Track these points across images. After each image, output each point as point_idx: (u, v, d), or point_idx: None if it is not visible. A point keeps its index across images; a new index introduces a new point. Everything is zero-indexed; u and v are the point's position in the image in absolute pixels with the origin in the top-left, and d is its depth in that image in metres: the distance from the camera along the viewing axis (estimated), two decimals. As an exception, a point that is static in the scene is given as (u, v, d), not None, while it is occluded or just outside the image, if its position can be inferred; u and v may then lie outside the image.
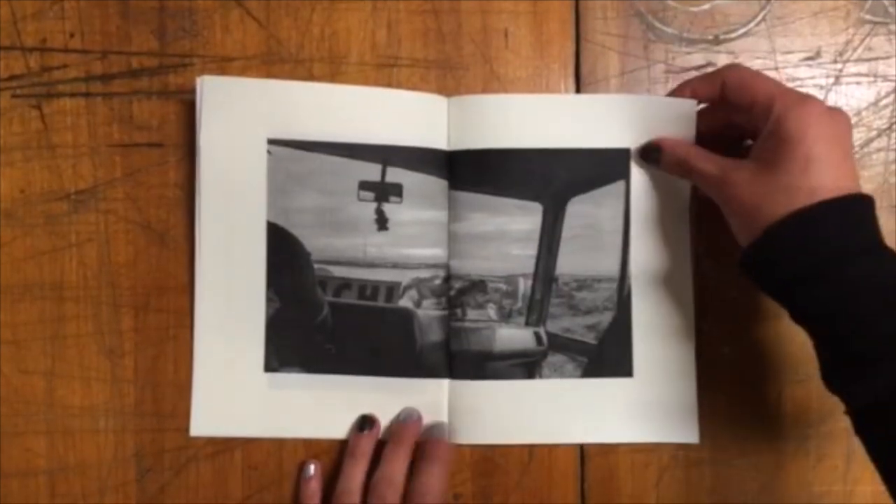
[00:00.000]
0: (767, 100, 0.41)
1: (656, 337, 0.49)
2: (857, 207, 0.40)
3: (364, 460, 0.47)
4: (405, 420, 0.48)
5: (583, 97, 0.50)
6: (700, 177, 0.44)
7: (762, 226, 0.40)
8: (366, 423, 0.48)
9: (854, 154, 0.42)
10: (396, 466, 0.46)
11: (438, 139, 0.49)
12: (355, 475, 0.47)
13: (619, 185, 0.49)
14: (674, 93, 0.47)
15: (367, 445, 0.48)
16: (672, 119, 0.47)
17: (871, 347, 0.38)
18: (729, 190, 0.42)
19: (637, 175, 0.49)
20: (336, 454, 0.49)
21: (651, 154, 0.47)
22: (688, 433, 0.49)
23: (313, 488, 0.48)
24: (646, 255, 0.49)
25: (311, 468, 0.48)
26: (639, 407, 0.49)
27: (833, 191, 0.39)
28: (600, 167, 0.49)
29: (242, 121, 0.48)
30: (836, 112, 0.41)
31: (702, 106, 0.47)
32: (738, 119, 0.45)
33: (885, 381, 0.37)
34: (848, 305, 0.39)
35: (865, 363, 0.38)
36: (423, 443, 0.48)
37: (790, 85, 0.50)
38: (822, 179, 0.39)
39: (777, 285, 0.41)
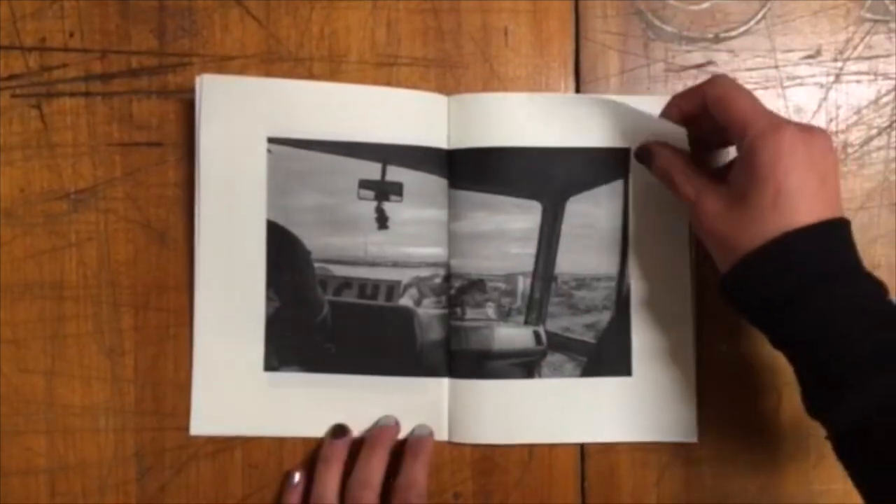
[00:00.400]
0: (741, 125, 0.40)
1: (655, 336, 0.49)
2: (831, 233, 0.39)
3: (338, 465, 0.47)
4: (382, 425, 0.48)
5: (583, 97, 0.50)
6: (678, 195, 0.44)
7: (737, 256, 0.40)
8: (338, 431, 0.48)
9: (837, 173, 0.40)
10: (371, 468, 0.46)
11: (438, 138, 0.49)
12: (329, 480, 0.46)
13: (617, 185, 0.49)
14: (663, 114, 0.46)
15: (340, 451, 0.47)
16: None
17: (849, 369, 0.37)
18: (702, 219, 0.42)
19: (636, 175, 0.48)
20: (336, 453, 0.49)
21: (644, 158, 0.47)
22: (686, 433, 0.49)
23: (297, 497, 0.47)
24: (644, 253, 0.49)
25: (296, 477, 0.48)
26: (638, 406, 0.49)
27: (806, 221, 0.38)
28: (599, 166, 0.49)
29: (242, 119, 0.48)
30: (812, 136, 0.40)
31: None
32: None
33: (865, 401, 0.37)
34: (825, 329, 0.38)
35: (844, 385, 0.37)
36: (407, 441, 0.48)
37: (790, 83, 0.50)
38: (794, 213, 0.38)
39: (754, 313, 0.41)
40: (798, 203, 0.38)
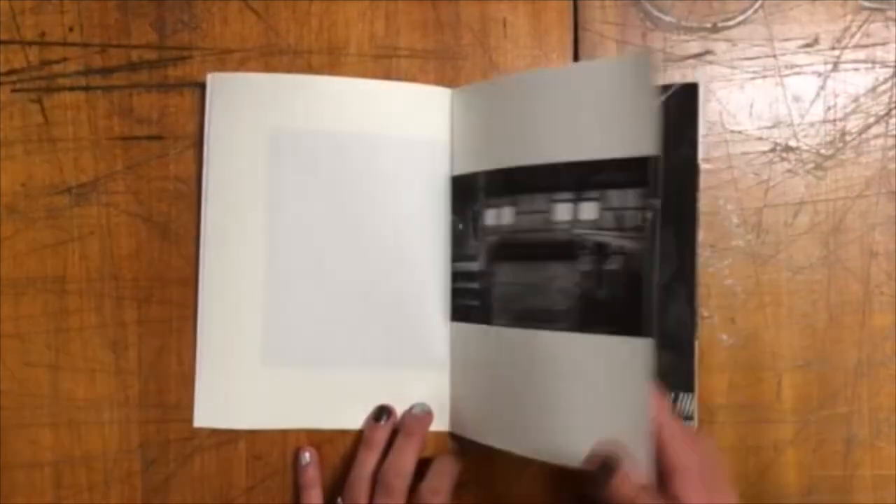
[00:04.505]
0: None
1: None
2: None
3: (378, 449, 0.48)
4: (417, 413, 0.48)
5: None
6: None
7: None
8: (382, 413, 0.48)
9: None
10: (406, 458, 0.47)
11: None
12: (368, 464, 0.47)
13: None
14: None
15: (381, 435, 0.48)
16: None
17: None
18: None
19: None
20: (339, 444, 0.49)
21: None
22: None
23: (311, 475, 0.48)
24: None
25: (307, 456, 0.48)
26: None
27: None
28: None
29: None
30: None
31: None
32: None
33: None
34: None
35: None
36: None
37: (788, 72, 0.50)
38: None
39: None
40: None
